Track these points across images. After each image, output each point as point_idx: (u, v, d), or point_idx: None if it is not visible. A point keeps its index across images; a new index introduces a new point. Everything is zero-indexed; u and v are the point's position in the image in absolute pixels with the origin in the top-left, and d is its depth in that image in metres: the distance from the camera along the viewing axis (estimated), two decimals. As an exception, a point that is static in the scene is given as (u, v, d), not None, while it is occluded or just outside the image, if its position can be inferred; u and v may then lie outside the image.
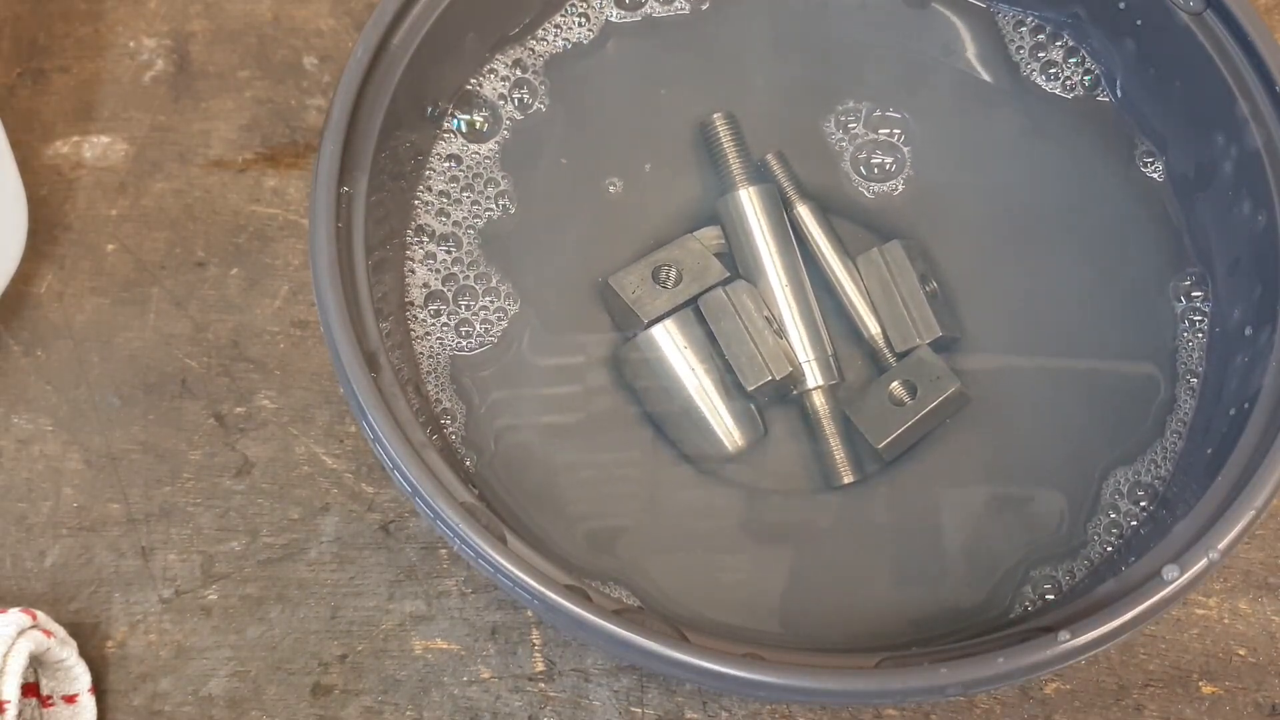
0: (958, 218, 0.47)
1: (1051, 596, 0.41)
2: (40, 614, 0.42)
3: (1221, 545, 0.35)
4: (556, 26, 0.47)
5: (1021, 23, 0.48)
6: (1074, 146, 0.47)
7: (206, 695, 0.44)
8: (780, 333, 0.44)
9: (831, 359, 0.44)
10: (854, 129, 0.47)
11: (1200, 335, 0.44)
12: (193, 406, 0.47)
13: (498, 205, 0.45)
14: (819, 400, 0.44)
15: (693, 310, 0.44)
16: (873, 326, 0.45)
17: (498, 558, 0.35)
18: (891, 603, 0.42)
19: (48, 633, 0.41)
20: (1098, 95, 0.47)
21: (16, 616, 0.41)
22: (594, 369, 0.44)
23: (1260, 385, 0.39)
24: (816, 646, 0.40)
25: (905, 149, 0.47)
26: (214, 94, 0.52)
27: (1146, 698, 0.44)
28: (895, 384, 0.44)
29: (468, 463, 0.42)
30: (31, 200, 0.49)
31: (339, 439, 0.47)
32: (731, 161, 0.46)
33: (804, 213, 0.46)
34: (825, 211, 0.46)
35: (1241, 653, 0.45)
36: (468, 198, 0.45)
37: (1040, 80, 0.47)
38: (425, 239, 0.44)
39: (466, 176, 0.46)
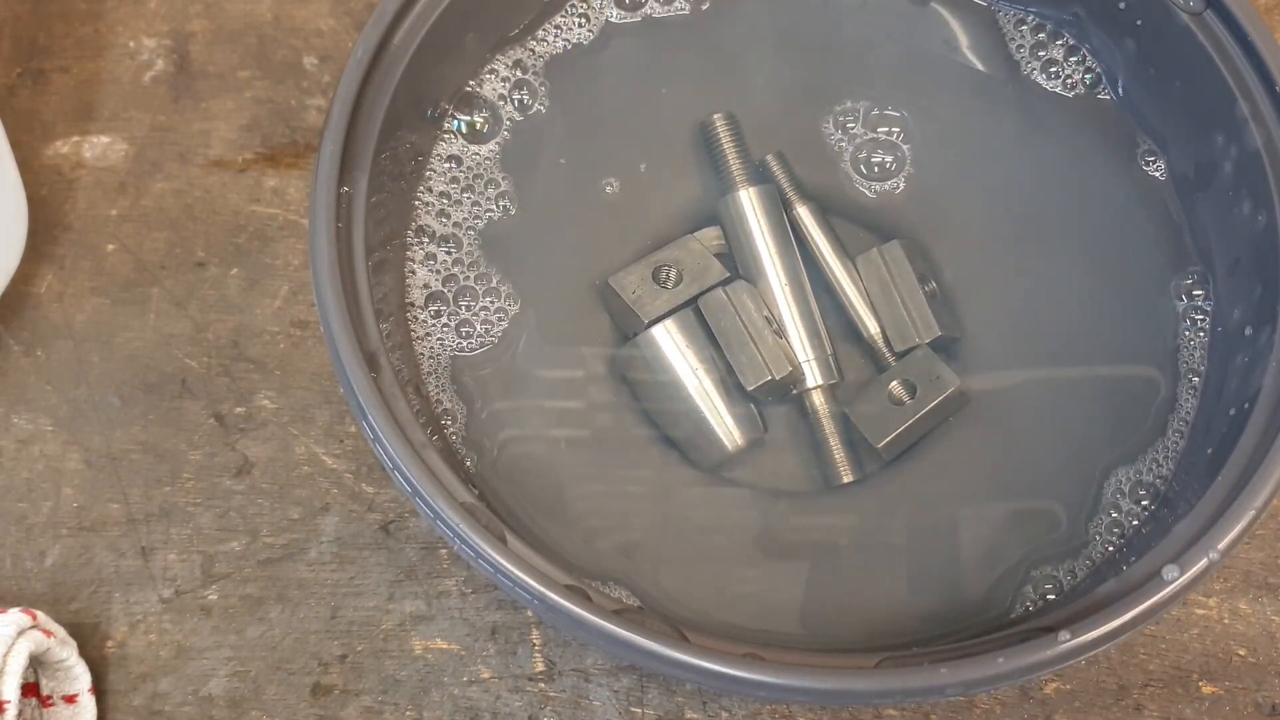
0: (958, 217, 0.46)
1: (1052, 596, 0.41)
2: (40, 614, 0.42)
3: (1222, 545, 0.35)
4: (557, 27, 0.47)
5: (1022, 21, 0.48)
6: (1075, 145, 0.47)
7: (206, 695, 0.44)
8: (780, 333, 0.44)
9: (831, 359, 0.44)
10: (853, 129, 0.47)
11: (1202, 334, 0.44)
12: (193, 406, 0.47)
13: (498, 206, 0.45)
14: (819, 400, 0.44)
15: (693, 310, 0.44)
16: (872, 326, 0.45)
17: (498, 558, 0.35)
18: (891, 603, 0.42)
19: (48, 633, 0.41)
20: (1098, 94, 0.47)
21: (16, 616, 0.41)
22: (594, 369, 0.44)
23: (1260, 385, 0.39)
24: (816, 646, 0.40)
25: (905, 147, 0.47)
26: (214, 94, 0.52)
27: (1146, 698, 0.44)
28: (895, 384, 0.44)
29: (468, 463, 0.42)
30: (31, 200, 0.49)
31: (339, 439, 0.47)
32: (731, 162, 0.46)
33: (804, 213, 0.46)
34: (825, 212, 0.46)
35: (1241, 653, 0.45)
36: (468, 199, 0.45)
37: (1041, 79, 0.47)
38: (426, 240, 0.44)
39: (467, 177, 0.46)
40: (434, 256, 0.44)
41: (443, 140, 0.46)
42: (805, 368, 0.44)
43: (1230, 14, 0.42)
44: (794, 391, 0.44)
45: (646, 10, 0.48)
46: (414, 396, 0.41)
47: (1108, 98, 0.47)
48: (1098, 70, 0.47)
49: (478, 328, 0.44)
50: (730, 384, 0.43)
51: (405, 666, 0.44)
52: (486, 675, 0.44)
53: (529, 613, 0.44)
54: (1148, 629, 0.45)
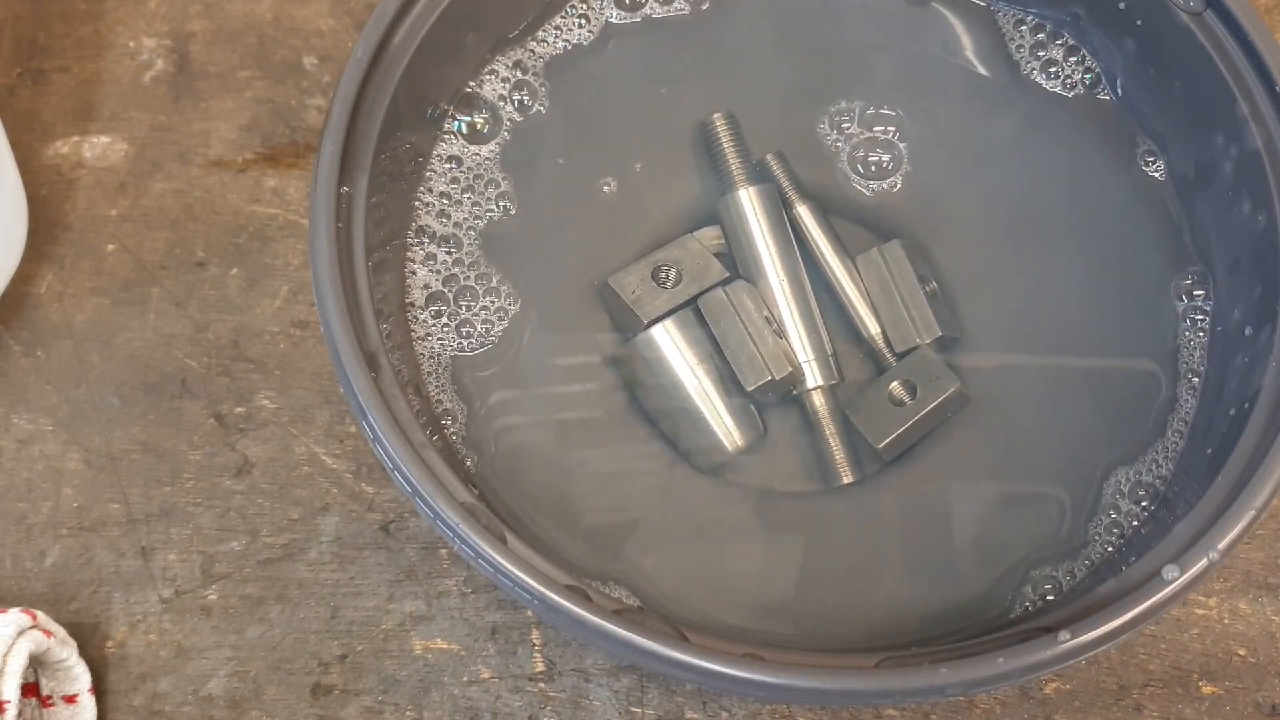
0: (958, 217, 0.46)
1: (1052, 596, 0.41)
2: (40, 614, 0.42)
3: (1221, 545, 0.35)
4: (556, 28, 0.47)
5: (1022, 21, 0.48)
6: (1074, 145, 0.47)
7: (206, 695, 0.44)
8: (780, 333, 0.44)
9: (831, 359, 0.44)
10: (849, 129, 0.47)
11: (1202, 334, 0.44)
12: (193, 406, 0.47)
13: (498, 206, 0.45)
14: (819, 400, 0.44)
15: (693, 310, 0.44)
16: (872, 326, 0.45)
17: (498, 558, 0.35)
18: (891, 603, 0.42)
19: (48, 633, 0.41)
20: (1098, 94, 0.47)
21: (16, 616, 0.41)
22: (594, 369, 0.44)
23: (1260, 385, 0.39)
24: (816, 646, 0.40)
25: (901, 145, 0.47)
26: (214, 94, 0.52)
27: (1146, 698, 0.44)
28: (895, 384, 0.44)
29: (468, 463, 0.42)
30: (31, 200, 0.49)
31: (339, 439, 0.47)
32: (731, 161, 0.46)
33: (804, 213, 0.46)
34: (825, 211, 0.46)
35: (1241, 653, 0.45)
36: (468, 199, 0.45)
37: (1040, 79, 0.47)
38: (426, 240, 0.44)
39: (467, 178, 0.46)
40: (434, 256, 0.44)
41: (443, 140, 0.46)
42: (805, 368, 0.44)
43: (1230, 14, 0.42)
44: (794, 392, 0.44)
45: (646, 11, 0.48)
46: (414, 396, 0.41)
47: (1107, 98, 0.47)
48: (1097, 70, 0.47)
49: (478, 328, 0.44)
50: (730, 384, 0.43)
51: (405, 666, 0.44)
52: (486, 675, 0.44)
53: (529, 613, 0.44)
54: (1148, 629, 0.45)
